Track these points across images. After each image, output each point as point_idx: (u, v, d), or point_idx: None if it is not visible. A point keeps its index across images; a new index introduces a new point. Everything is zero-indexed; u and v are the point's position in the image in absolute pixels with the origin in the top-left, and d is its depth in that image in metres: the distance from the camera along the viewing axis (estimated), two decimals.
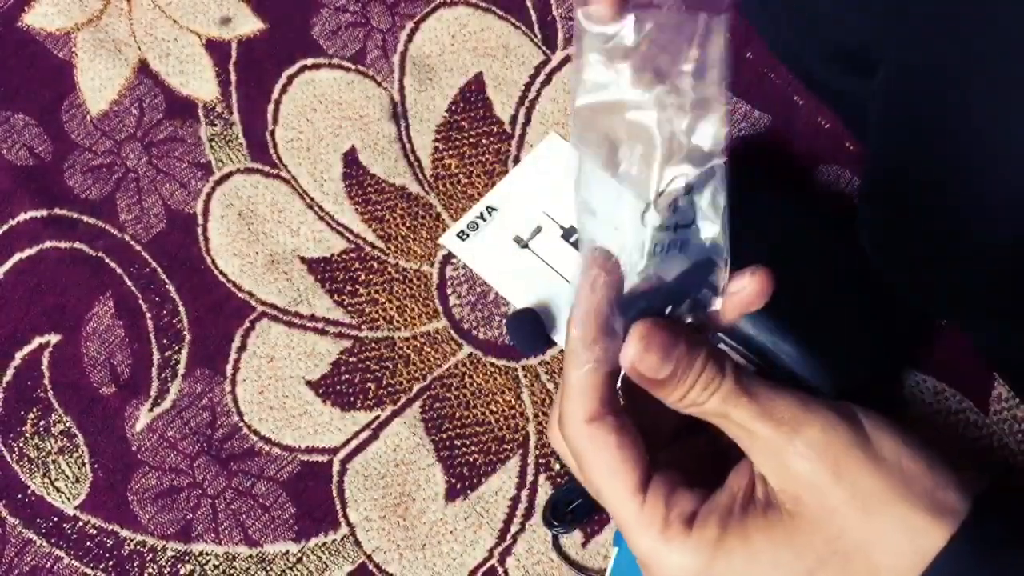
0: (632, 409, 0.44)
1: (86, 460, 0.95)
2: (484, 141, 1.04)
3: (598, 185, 0.41)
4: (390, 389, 0.96)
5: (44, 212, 1.03)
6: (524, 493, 0.92)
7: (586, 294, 0.40)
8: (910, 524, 0.38)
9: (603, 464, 0.41)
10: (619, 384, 0.42)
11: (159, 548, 0.92)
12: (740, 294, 0.44)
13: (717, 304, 0.43)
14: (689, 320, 0.42)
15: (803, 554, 0.39)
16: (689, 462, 0.44)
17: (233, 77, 1.08)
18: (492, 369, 0.96)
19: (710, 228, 0.43)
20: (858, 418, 0.40)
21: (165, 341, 0.98)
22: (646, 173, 0.40)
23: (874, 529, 0.39)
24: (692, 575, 0.40)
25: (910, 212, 0.72)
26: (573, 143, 0.42)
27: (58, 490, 0.94)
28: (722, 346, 0.83)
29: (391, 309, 0.98)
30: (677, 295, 0.42)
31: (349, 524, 0.92)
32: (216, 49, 1.09)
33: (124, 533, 0.92)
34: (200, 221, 1.02)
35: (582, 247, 0.42)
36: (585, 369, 0.41)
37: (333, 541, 0.92)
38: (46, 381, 0.97)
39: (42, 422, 0.96)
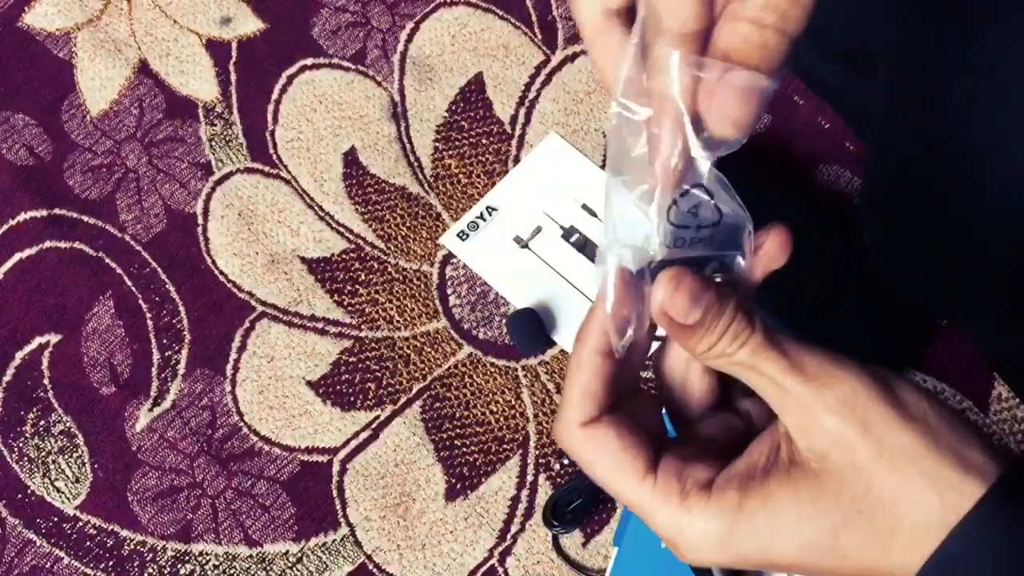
0: (634, 412, 0.43)
1: (86, 460, 0.95)
2: (484, 141, 1.04)
3: (620, 201, 0.41)
4: (390, 389, 0.96)
5: (44, 212, 1.03)
6: (524, 493, 0.92)
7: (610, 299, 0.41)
8: (938, 479, 0.38)
9: (606, 460, 0.41)
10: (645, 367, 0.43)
11: (159, 548, 0.92)
12: (763, 251, 0.44)
13: (742, 262, 0.43)
14: (718, 279, 0.42)
15: (828, 511, 0.39)
16: (705, 447, 0.44)
17: (233, 77, 1.08)
18: (492, 369, 0.96)
19: (728, 203, 0.43)
20: (885, 377, 0.40)
21: (165, 341, 0.98)
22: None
23: (901, 485, 0.38)
24: (717, 539, 0.40)
25: (911, 211, 0.72)
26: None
27: (58, 490, 0.94)
28: None
29: (391, 309, 0.98)
30: (702, 261, 0.42)
31: (349, 524, 0.92)
32: (216, 49, 1.09)
33: (124, 533, 0.92)
34: (200, 221, 1.02)
35: (601, 260, 0.42)
36: (583, 371, 0.41)
37: (333, 541, 0.92)
38: (46, 381, 0.97)
39: (42, 422, 0.96)
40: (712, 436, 0.44)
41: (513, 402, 0.94)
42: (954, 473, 0.38)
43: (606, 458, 0.41)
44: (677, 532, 0.40)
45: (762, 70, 0.38)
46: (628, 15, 0.41)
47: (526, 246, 0.99)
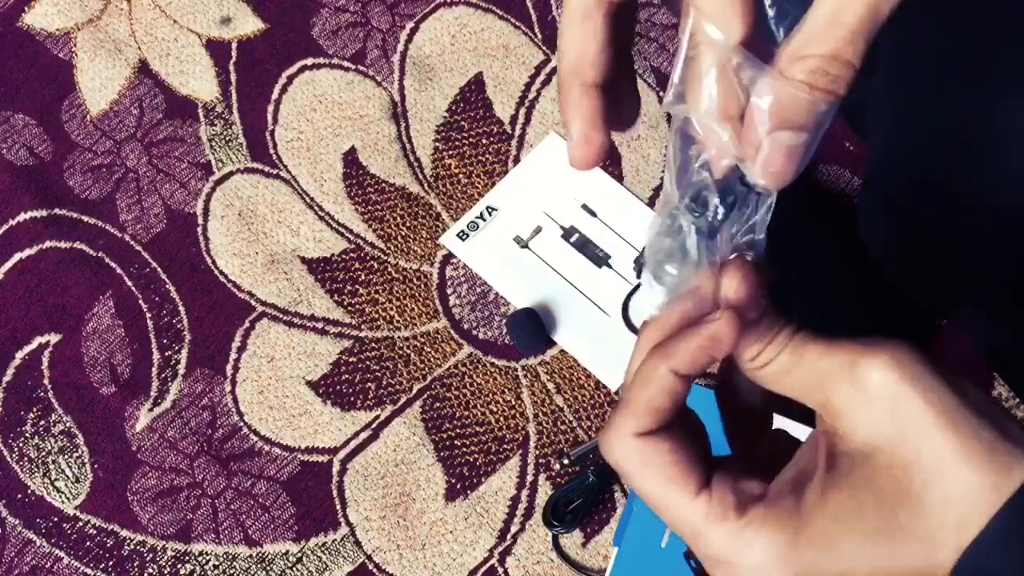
0: (687, 429, 0.43)
1: (86, 460, 0.95)
2: (484, 141, 1.04)
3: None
4: (390, 389, 0.96)
5: (44, 212, 1.03)
6: (524, 493, 0.92)
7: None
8: (988, 441, 0.37)
9: (658, 474, 0.40)
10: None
11: (159, 548, 0.92)
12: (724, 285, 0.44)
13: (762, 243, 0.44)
14: (749, 256, 0.43)
15: (884, 490, 0.38)
16: (759, 464, 0.43)
17: (233, 77, 1.08)
18: (492, 369, 0.96)
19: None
20: (919, 350, 0.40)
21: (165, 341, 0.98)
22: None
23: (951, 445, 0.37)
24: (783, 550, 0.38)
25: (911, 211, 0.72)
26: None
27: (58, 490, 0.94)
28: None
29: (391, 309, 0.98)
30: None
31: (349, 524, 0.92)
32: (216, 49, 1.09)
33: (124, 533, 0.92)
34: (200, 221, 1.02)
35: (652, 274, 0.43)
36: (653, 385, 0.41)
37: (333, 541, 0.92)
38: (46, 381, 0.97)
39: (42, 422, 0.96)
40: (766, 452, 0.44)
41: (513, 402, 0.94)
42: (1000, 440, 0.37)
43: (658, 472, 0.40)
44: (738, 550, 0.39)
45: (808, 129, 0.38)
46: (617, 12, 0.42)
47: (526, 246, 0.99)
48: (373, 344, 0.97)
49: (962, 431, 0.38)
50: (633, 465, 0.40)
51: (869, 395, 0.39)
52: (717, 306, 0.42)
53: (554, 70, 1.06)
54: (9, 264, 1.01)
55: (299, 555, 0.91)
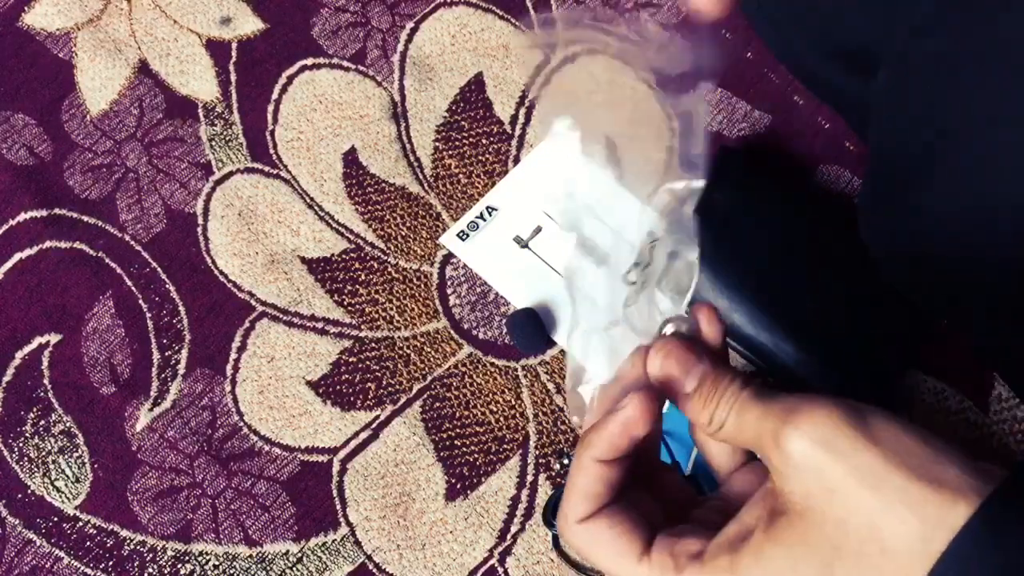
0: (633, 499, 0.47)
1: (86, 460, 0.95)
2: (484, 141, 1.04)
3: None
4: (390, 389, 0.96)
5: (44, 212, 1.03)
6: (524, 493, 0.92)
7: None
8: (912, 496, 0.39)
9: (603, 550, 0.44)
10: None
11: (159, 548, 0.92)
12: (699, 328, 0.47)
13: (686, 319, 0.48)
14: (671, 330, 0.47)
15: (818, 547, 0.40)
16: (703, 529, 0.46)
17: (233, 77, 1.08)
18: (492, 369, 0.96)
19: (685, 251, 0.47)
20: (855, 405, 0.41)
21: (165, 341, 0.98)
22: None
23: (878, 505, 0.39)
24: None
25: (911, 213, 0.72)
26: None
27: (58, 490, 0.94)
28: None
29: (391, 309, 0.98)
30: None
31: (349, 524, 0.92)
32: (216, 49, 1.09)
33: (124, 533, 0.92)
34: (200, 221, 1.02)
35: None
36: (584, 474, 0.45)
37: (333, 541, 0.92)
38: (46, 381, 0.97)
39: (42, 422, 0.96)
40: (739, 495, 0.47)
41: (513, 402, 0.95)
42: (927, 490, 0.39)
43: (603, 548, 0.45)
44: None
45: None
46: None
47: (526, 246, 0.99)
48: (373, 344, 0.97)
49: (885, 490, 0.39)
50: (584, 546, 0.45)
51: (795, 462, 0.41)
52: (646, 386, 0.46)
53: (554, 71, 1.06)
54: (9, 264, 1.01)
55: (299, 555, 0.91)
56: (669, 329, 0.47)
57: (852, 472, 0.40)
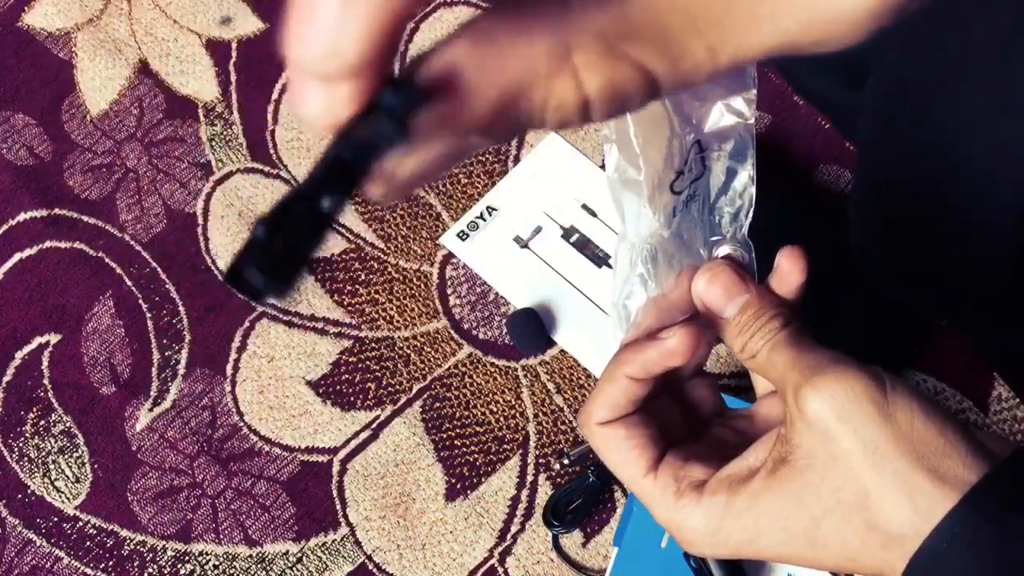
0: (655, 411, 0.48)
1: (86, 460, 0.95)
2: None
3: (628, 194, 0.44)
4: (390, 389, 0.96)
5: (44, 212, 1.03)
6: (524, 493, 0.92)
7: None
8: (908, 482, 0.39)
9: (616, 455, 0.46)
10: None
11: (159, 548, 0.92)
12: (778, 270, 0.47)
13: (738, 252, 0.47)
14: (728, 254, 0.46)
15: (809, 504, 0.41)
16: (718, 448, 0.48)
17: (233, 77, 1.08)
18: (492, 369, 0.96)
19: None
20: (882, 378, 0.42)
21: (165, 341, 0.98)
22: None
23: (875, 482, 0.40)
24: (706, 534, 0.44)
25: (900, 225, 0.73)
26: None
27: (58, 490, 0.94)
28: None
29: (391, 309, 0.98)
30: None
31: (349, 524, 0.92)
32: (216, 49, 1.09)
33: (124, 533, 0.92)
34: (200, 221, 1.02)
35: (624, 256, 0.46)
36: (615, 385, 0.46)
37: (333, 541, 0.92)
38: (46, 381, 0.97)
39: (42, 422, 0.96)
40: (724, 439, 0.48)
41: (513, 402, 0.95)
42: (927, 479, 0.39)
43: (615, 454, 0.46)
44: (675, 525, 0.45)
45: None
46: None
47: (526, 246, 0.99)
48: (373, 344, 0.97)
49: (886, 471, 0.40)
50: (599, 447, 0.47)
51: (808, 421, 0.41)
52: (691, 308, 0.46)
53: None
54: (9, 264, 1.01)
55: (299, 555, 0.91)
56: (723, 250, 0.47)
57: (859, 445, 0.40)
